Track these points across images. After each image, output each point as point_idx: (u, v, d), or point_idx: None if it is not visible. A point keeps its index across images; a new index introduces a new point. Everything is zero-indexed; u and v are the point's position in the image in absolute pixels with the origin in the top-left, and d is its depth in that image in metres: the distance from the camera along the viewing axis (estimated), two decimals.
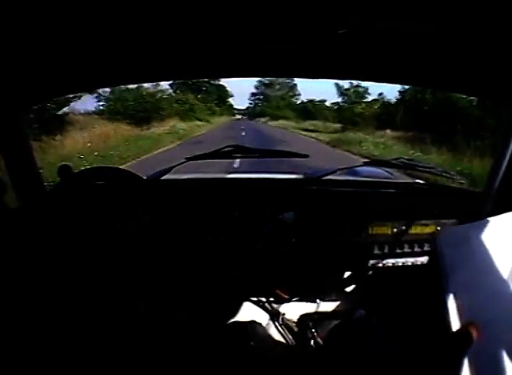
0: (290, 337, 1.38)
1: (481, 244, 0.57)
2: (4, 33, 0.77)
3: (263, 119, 32.28)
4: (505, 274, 0.54)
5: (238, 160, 1.51)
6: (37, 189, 1.28)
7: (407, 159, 1.43)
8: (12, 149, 1.21)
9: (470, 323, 0.54)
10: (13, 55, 0.89)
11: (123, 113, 15.02)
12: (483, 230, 0.57)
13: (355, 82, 19.90)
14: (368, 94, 20.95)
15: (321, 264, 1.31)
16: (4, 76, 1.00)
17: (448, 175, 1.40)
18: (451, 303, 0.56)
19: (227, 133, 15.26)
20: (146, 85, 17.45)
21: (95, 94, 15.19)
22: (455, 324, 0.55)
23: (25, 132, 1.24)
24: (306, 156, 1.48)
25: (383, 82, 1.31)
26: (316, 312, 1.42)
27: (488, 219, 0.58)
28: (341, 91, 21.86)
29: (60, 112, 10.67)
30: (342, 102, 22.33)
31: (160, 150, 10.71)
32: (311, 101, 29.10)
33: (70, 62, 1.01)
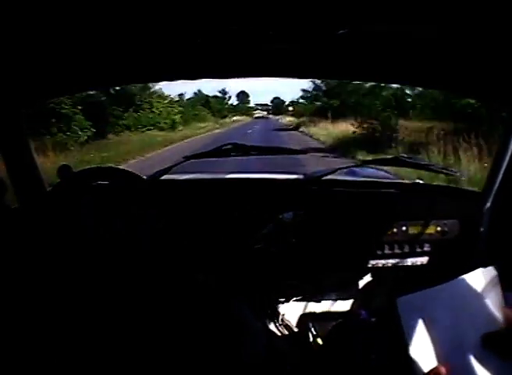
0: (290, 337, 1.38)
1: (444, 304, 0.59)
2: (4, 33, 0.77)
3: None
4: (470, 324, 0.57)
5: (238, 158, 1.51)
6: (37, 189, 1.28)
7: (406, 157, 1.43)
8: (12, 149, 1.21)
9: (439, 367, 0.55)
10: (13, 55, 0.89)
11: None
12: (443, 295, 0.60)
13: None
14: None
15: (321, 264, 1.31)
16: (4, 75, 1.00)
17: (448, 171, 1.40)
18: (417, 349, 0.58)
19: None
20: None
21: None
22: (423, 368, 0.57)
23: (25, 132, 1.24)
24: (305, 153, 1.49)
25: (384, 82, 1.31)
26: (316, 312, 1.42)
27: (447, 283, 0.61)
28: None
29: None
30: None
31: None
32: None
33: (70, 62, 1.01)
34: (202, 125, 20.29)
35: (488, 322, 0.55)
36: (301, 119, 22.44)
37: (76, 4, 0.68)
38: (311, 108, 21.77)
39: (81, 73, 1.11)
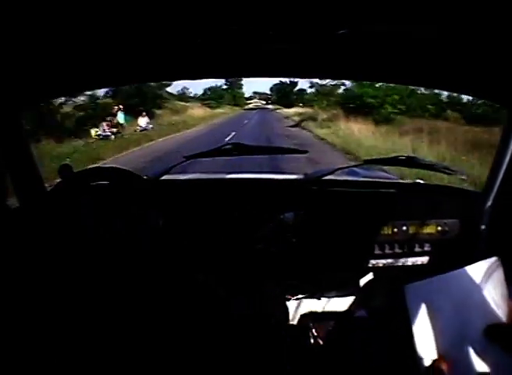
0: (290, 337, 1.38)
1: (448, 292, 0.59)
2: (4, 33, 0.77)
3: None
4: (473, 313, 0.56)
5: (238, 158, 1.51)
6: (37, 189, 1.28)
7: (406, 157, 1.42)
8: (12, 149, 1.21)
9: (441, 359, 0.55)
10: (13, 55, 0.89)
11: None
12: (449, 282, 0.60)
13: None
14: None
15: (321, 264, 1.31)
16: (4, 75, 1.00)
17: (449, 171, 1.39)
18: (420, 340, 0.57)
19: None
20: None
21: None
22: (426, 359, 0.56)
23: (25, 132, 1.24)
24: (305, 152, 1.49)
25: (384, 82, 1.31)
26: (316, 312, 1.42)
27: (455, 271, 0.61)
28: None
29: None
30: None
31: None
32: None
33: (70, 62, 1.01)
34: None
35: (492, 313, 0.55)
36: None
37: (76, 4, 0.68)
38: None
39: (81, 73, 1.11)
